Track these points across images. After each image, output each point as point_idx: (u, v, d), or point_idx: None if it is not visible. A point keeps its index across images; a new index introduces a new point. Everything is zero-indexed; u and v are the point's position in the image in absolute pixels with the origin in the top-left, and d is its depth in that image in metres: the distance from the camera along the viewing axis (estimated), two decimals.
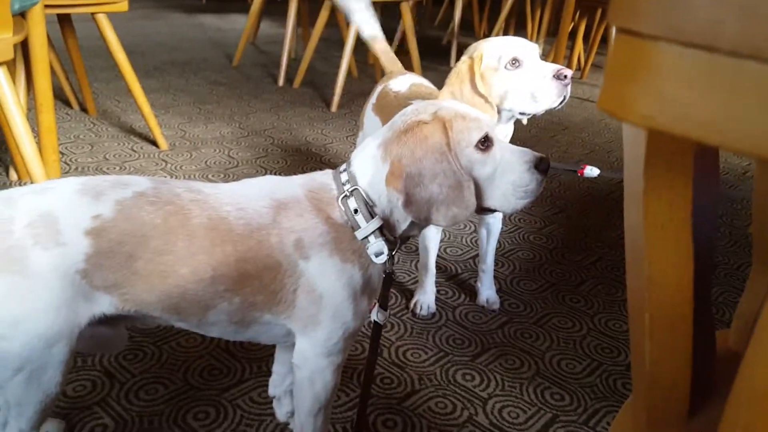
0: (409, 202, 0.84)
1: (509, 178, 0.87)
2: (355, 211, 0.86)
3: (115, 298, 0.82)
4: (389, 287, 0.93)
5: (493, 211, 0.91)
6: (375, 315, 0.94)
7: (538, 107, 1.27)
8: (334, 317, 0.87)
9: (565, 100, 1.27)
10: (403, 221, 0.88)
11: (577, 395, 1.27)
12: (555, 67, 1.25)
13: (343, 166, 0.91)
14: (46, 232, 0.77)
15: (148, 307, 0.84)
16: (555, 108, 1.28)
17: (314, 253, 0.85)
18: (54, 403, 0.86)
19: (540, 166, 0.88)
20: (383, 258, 0.87)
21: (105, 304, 0.82)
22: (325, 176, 0.90)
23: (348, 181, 0.88)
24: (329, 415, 1.00)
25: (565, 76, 1.25)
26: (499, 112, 1.31)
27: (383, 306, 0.93)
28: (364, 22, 1.56)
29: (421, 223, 0.88)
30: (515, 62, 1.27)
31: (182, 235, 0.81)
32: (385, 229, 0.88)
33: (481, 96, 1.29)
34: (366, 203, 0.86)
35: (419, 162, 0.83)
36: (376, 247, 0.86)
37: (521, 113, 1.30)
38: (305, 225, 0.85)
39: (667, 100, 0.29)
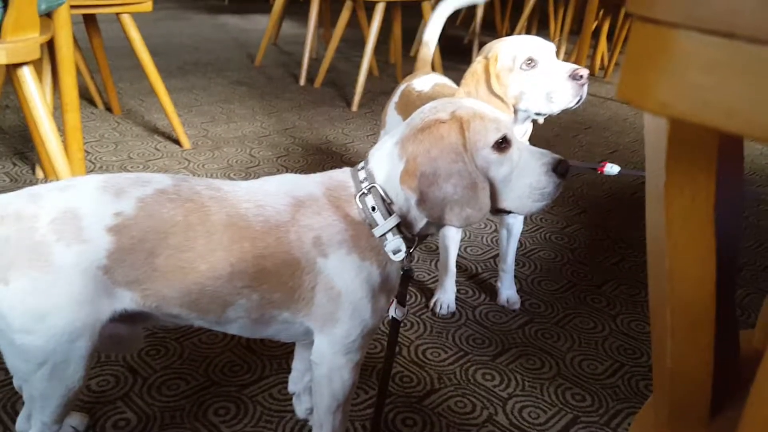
0: (422, 201, 0.83)
1: (526, 180, 0.86)
2: (373, 208, 0.86)
3: (136, 294, 0.83)
4: (407, 284, 0.93)
5: (508, 212, 0.90)
6: (393, 311, 0.93)
7: (554, 107, 1.26)
8: (352, 315, 0.87)
9: (582, 100, 1.25)
10: (420, 219, 0.88)
11: (598, 396, 1.25)
12: (571, 66, 1.24)
13: (361, 164, 0.91)
14: (68, 229, 0.78)
15: (168, 303, 0.85)
16: (571, 108, 1.26)
17: (332, 250, 0.85)
18: (77, 397, 0.88)
19: (558, 168, 0.86)
20: (401, 255, 0.87)
21: (126, 300, 0.83)
22: (343, 174, 0.90)
23: (366, 179, 0.87)
24: (348, 413, 1.00)
25: (581, 76, 1.23)
26: (515, 112, 1.30)
27: (401, 302, 0.93)
28: (432, 24, 1.66)
29: (435, 222, 0.87)
30: (530, 62, 1.25)
31: (202, 232, 0.82)
32: (403, 227, 0.87)
33: (497, 96, 1.27)
34: (384, 201, 0.86)
35: (434, 161, 0.83)
36: (394, 244, 0.86)
37: (537, 113, 1.29)
38: (323, 222, 0.85)
39: (686, 88, 0.29)
